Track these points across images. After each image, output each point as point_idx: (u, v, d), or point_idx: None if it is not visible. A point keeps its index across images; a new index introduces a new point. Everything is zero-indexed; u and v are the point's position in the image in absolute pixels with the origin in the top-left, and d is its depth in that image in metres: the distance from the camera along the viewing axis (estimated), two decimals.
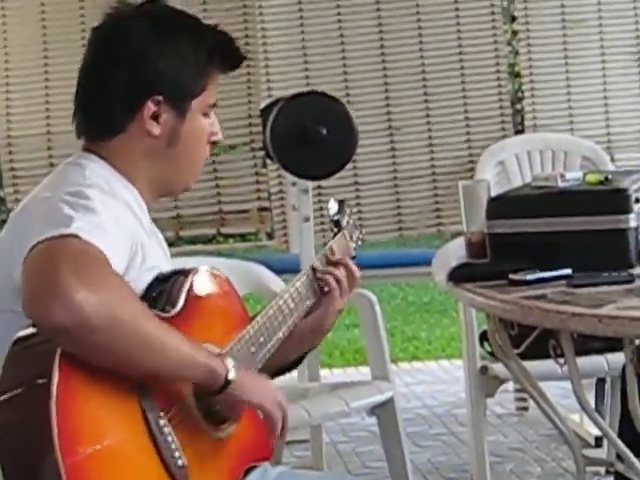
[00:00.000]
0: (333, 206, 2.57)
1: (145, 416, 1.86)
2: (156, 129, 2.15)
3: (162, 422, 1.89)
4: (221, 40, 2.24)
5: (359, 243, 2.63)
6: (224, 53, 2.24)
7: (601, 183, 3.04)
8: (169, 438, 1.89)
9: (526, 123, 5.25)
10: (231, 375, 1.93)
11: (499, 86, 5.15)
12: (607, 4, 5.16)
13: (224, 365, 1.93)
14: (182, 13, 2.26)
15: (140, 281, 1.98)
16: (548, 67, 5.20)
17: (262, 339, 2.14)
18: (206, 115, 2.23)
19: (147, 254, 2.07)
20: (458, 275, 2.93)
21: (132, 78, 2.13)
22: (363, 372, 3.88)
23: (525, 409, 5.16)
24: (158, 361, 1.86)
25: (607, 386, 4.14)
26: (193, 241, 5.65)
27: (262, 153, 4.66)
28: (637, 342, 2.63)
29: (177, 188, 2.29)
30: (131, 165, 2.17)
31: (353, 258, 2.51)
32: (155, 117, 2.14)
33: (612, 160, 4.99)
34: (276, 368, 2.32)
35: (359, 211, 4.82)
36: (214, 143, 2.28)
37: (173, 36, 2.18)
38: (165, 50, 2.16)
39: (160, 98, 2.13)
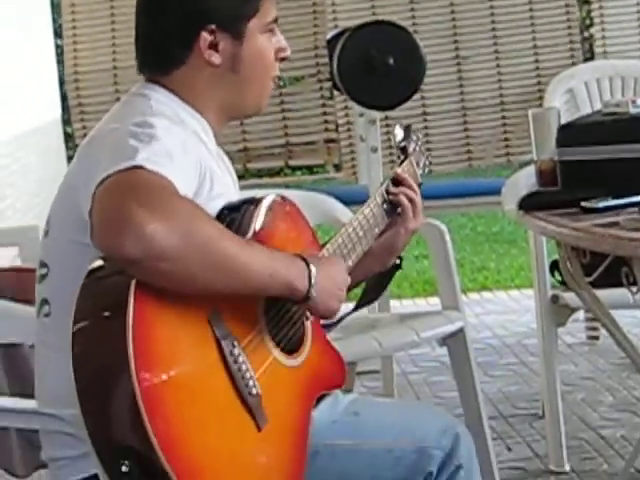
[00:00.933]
0: (399, 132, 2.55)
1: (219, 344, 1.87)
2: (216, 58, 2.15)
3: (236, 351, 1.90)
4: None
5: (426, 170, 2.62)
6: None
7: None
8: (243, 367, 1.90)
9: (596, 50, 5.19)
10: (312, 292, 1.95)
11: (567, 13, 5.09)
12: None
13: (309, 276, 1.95)
14: None
15: (208, 207, 1.96)
16: None
17: None
18: (270, 32, 2.21)
19: (215, 180, 2.08)
20: (528, 204, 2.93)
21: (182, 12, 2.14)
22: (432, 303, 3.90)
23: (596, 338, 5.15)
24: (237, 280, 1.87)
25: None
26: (260, 174, 5.67)
27: (329, 84, 4.67)
28: None
29: (249, 110, 2.30)
30: (197, 95, 2.18)
31: (420, 185, 2.50)
32: (213, 46, 2.14)
33: None
34: (349, 289, 2.32)
35: (427, 141, 4.79)
36: (282, 59, 2.25)
37: None
38: None
39: (213, 27, 2.13)
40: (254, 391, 1.90)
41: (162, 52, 2.18)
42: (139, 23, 2.22)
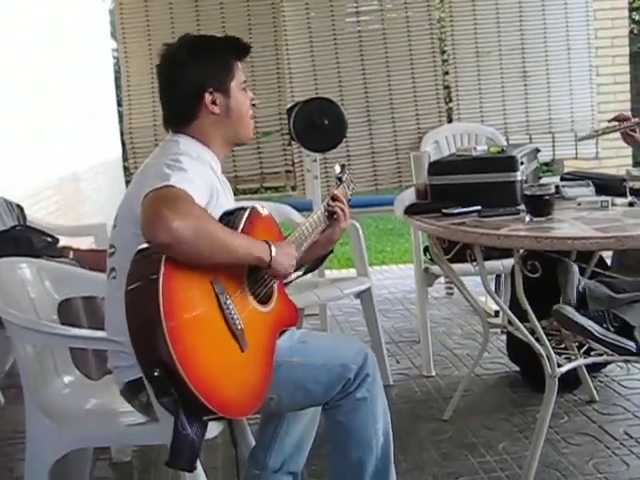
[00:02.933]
0: (337, 168, 2.58)
1: (217, 297, 1.89)
2: (216, 109, 2.18)
3: (228, 301, 1.91)
4: (232, 41, 2.26)
5: (353, 192, 2.64)
6: (237, 48, 2.25)
7: (499, 152, 3.04)
8: (232, 311, 1.91)
9: (453, 116, 5.20)
10: (272, 263, 2.00)
11: (437, 94, 5.11)
12: (505, 40, 5.15)
13: (270, 253, 1.99)
14: (199, 36, 2.27)
15: (215, 212, 2.00)
16: (467, 83, 5.16)
17: None
18: (244, 90, 2.24)
19: (220, 196, 2.10)
20: (410, 210, 2.93)
21: (189, 85, 2.16)
22: (351, 272, 3.93)
23: (451, 294, 5.18)
24: (229, 255, 1.90)
25: (502, 279, 4.16)
26: (245, 192, 5.64)
27: (288, 137, 4.65)
28: (521, 252, 2.64)
29: (243, 138, 2.29)
30: (207, 136, 2.19)
31: (349, 200, 2.53)
32: (213, 102, 2.17)
33: (507, 140, 4.97)
34: (301, 265, 2.32)
35: (352, 173, 4.78)
36: (254, 105, 2.28)
37: (202, 51, 2.20)
38: (201, 62, 2.17)
39: (211, 89, 2.16)
40: (239, 326, 1.92)
41: (181, 113, 2.19)
42: (161, 97, 2.22)
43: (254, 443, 2.49)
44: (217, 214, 2.02)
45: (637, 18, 11.34)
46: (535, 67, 5.23)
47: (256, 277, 2.05)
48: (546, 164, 6.01)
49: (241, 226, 2.02)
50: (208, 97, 2.16)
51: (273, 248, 2.00)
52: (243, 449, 2.48)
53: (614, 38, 5.65)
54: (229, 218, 2.03)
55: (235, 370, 1.92)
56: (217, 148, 2.22)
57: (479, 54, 5.19)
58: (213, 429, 2.09)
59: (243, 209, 2.08)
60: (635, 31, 11.07)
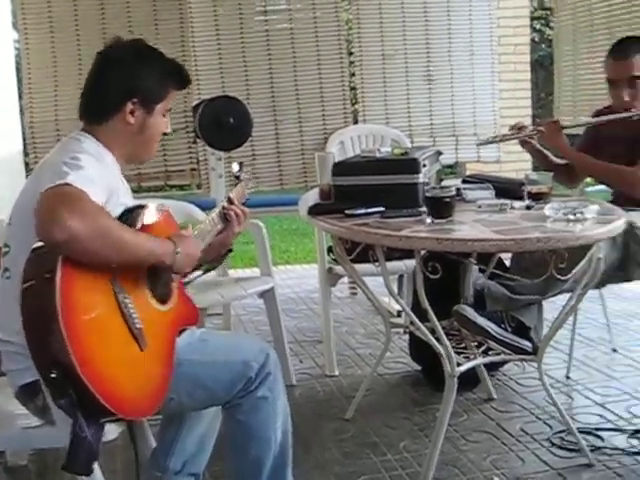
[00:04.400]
0: (235, 166, 2.57)
1: (116, 296, 1.86)
2: (132, 120, 2.15)
3: (127, 300, 1.89)
4: (179, 69, 2.25)
5: (252, 190, 2.63)
6: (180, 77, 2.24)
7: (402, 154, 3.07)
8: (131, 310, 1.89)
9: (359, 118, 5.25)
10: (175, 264, 1.98)
11: (343, 95, 5.15)
12: (410, 44, 5.22)
13: (174, 252, 1.97)
14: (154, 48, 2.25)
15: (115, 211, 1.96)
16: (373, 85, 5.22)
17: None
18: (164, 116, 2.22)
19: (120, 195, 2.07)
20: (314, 211, 2.94)
21: (119, 87, 2.13)
22: (255, 271, 3.92)
23: (355, 294, 5.22)
24: (128, 255, 1.86)
25: (405, 279, 4.21)
26: (149, 189, 5.56)
27: (193, 134, 4.61)
28: (423, 253, 2.68)
29: (142, 159, 2.28)
30: (112, 141, 2.16)
31: (246, 201, 2.52)
32: (132, 112, 2.14)
33: (412, 142, 5.04)
34: (199, 264, 2.30)
35: (255, 171, 4.78)
36: (165, 134, 2.26)
37: (148, 63, 2.18)
38: (142, 71, 2.15)
39: (135, 100, 2.14)
40: (138, 325, 1.89)
41: (99, 109, 2.16)
42: (89, 84, 2.19)
43: (155, 445, 2.46)
44: (117, 211, 1.99)
45: (538, 27, 11.66)
46: (440, 71, 5.33)
47: (156, 276, 2.02)
48: (450, 166, 6.12)
49: (139, 223, 1.99)
50: (130, 106, 2.14)
51: (179, 248, 1.98)
52: (144, 451, 2.44)
53: (516, 46, 5.82)
54: (128, 216, 2.00)
55: (134, 369, 1.89)
56: (117, 157, 2.19)
57: (385, 57, 5.25)
58: (113, 431, 2.06)
59: (142, 207, 2.05)
60: (536, 39, 11.39)
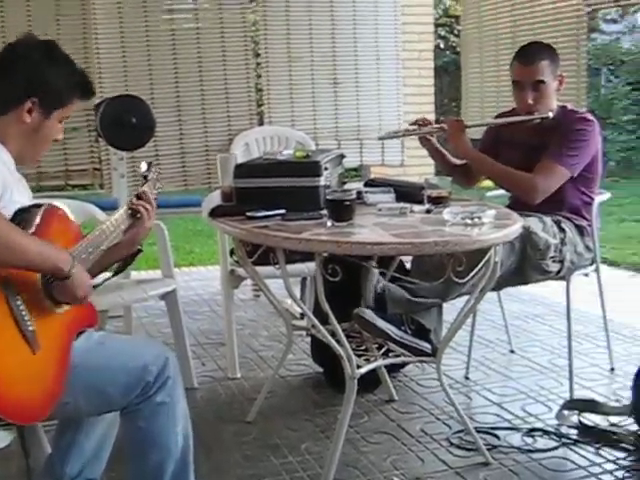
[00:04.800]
0: (143, 166, 2.52)
1: (7, 299, 1.82)
2: (27, 119, 2.10)
3: (19, 303, 1.84)
4: (86, 80, 2.21)
5: (159, 190, 2.59)
6: (85, 88, 2.21)
7: (304, 157, 3.08)
8: (23, 313, 1.84)
9: (265, 119, 5.24)
10: (72, 271, 1.92)
11: (249, 97, 5.13)
12: (317, 47, 5.25)
13: (69, 263, 1.91)
14: (66, 54, 2.20)
15: (8, 209, 1.92)
16: (279, 87, 5.22)
17: (91, 249, 2.09)
18: (60, 122, 2.18)
19: (14, 193, 2.02)
20: (215, 213, 2.92)
21: (22, 83, 2.09)
22: (157, 273, 3.88)
23: (259, 296, 5.20)
24: (22, 259, 1.81)
25: (307, 282, 4.22)
26: (52, 189, 5.43)
27: (95, 133, 4.53)
28: (323, 255, 2.69)
29: (27, 161, 2.22)
30: (6, 136, 2.10)
31: (155, 200, 2.48)
32: (29, 111, 2.10)
33: (317, 144, 5.07)
34: (106, 266, 2.28)
35: (160, 172, 4.71)
36: (56, 140, 2.21)
37: (56, 66, 2.14)
38: (49, 73, 2.11)
39: (35, 100, 2.09)
40: (30, 328, 1.86)
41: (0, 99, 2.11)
42: None
43: (50, 451, 2.40)
44: (11, 209, 1.94)
45: (443, 34, 11.87)
46: (346, 75, 5.38)
47: (50, 278, 1.98)
48: (355, 169, 6.18)
49: (34, 225, 1.94)
50: (28, 104, 2.09)
51: (75, 267, 1.93)
52: (39, 457, 2.39)
53: (421, 51, 5.90)
54: (23, 216, 1.95)
55: (26, 373, 1.85)
56: (13, 153, 2.13)
57: (291, 59, 5.26)
58: (6, 437, 2.00)
59: (37, 206, 2.00)
60: (441, 46, 11.59)
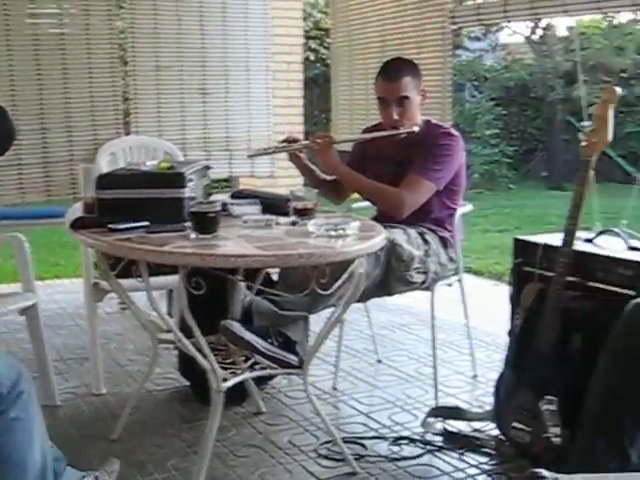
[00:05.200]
0: None
1: None
2: None
3: None
4: None
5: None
6: None
7: (169, 168, 3.02)
8: None
9: (132, 129, 5.14)
10: None
11: (115, 106, 5.02)
12: (186, 57, 5.19)
13: None
14: None
15: None
16: (147, 96, 5.13)
17: None
18: None
19: None
20: (76, 224, 2.83)
21: None
22: (18, 287, 3.72)
23: (125, 309, 5.06)
24: None
25: (174, 294, 4.14)
26: None
27: None
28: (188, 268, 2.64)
29: None
30: None
31: None
32: None
33: (185, 155, 4.99)
34: None
35: (21, 183, 4.58)
36: None
37: None
38: None
39: None
40: None
41: None
42: None
43: None
44: None
45: (314, 46, 11.97)
46: (215, 85, 5.34)
47: None
48: (226, 180, 6.14)
49: None
50: None
51: None
52: None
53: (290, 63, 5.92)
54: None
55: None
56: None
57: (160, 68, 5.19)
58: None
59: None
60: (312, 58, 11.69)
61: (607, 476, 1.56)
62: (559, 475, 1.56)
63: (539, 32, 13.84)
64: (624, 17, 14.26)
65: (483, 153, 12.60)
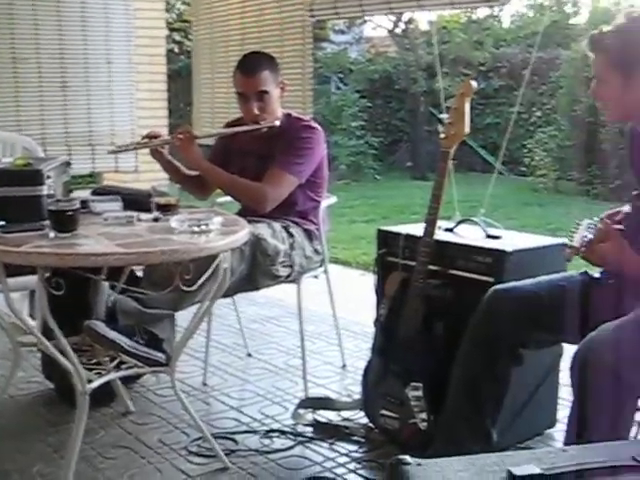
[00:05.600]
0: None
1: None
2: None
3: None
4: None
5: None
6: None
7: (25, 165, 2.91)
8: None
9: None
10: None
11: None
12: (44, 49, 5.02)
13: None
14: None
15: None
16: (4, 89, 4.96)
17: None
18: None
19: None
20: None
21: None
22: None
23: None
24: None
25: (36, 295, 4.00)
26: None
27: None
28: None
29: None
30: None
31: None
32: None
33: (45, 151, 4.83)
34: None
35: None
36: None
37: None
38: None
39: None
40: None
41: None
42: None
43: None
44: None
45: (178, 39, 11.83)
46: (75, 79, 5.21)
47: None
48: (90, 176, 5.99)
49: None
50: None
51: None
52: None
53: (153, 56, 5.83)
54: None
55: None
56: None
57: (16, 60, 5.00)
58: None
59: None
60: (176, 50, 11.55)
61: (468, 457, 1.60)
62: (422, 460, 1.59)
63: (402, 26, 14.12)
64: (482, 13, 14.77)
65: (349, 145, 12.78)
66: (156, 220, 2.80)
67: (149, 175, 5.28)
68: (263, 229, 3.23)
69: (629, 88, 2.32)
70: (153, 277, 2.90)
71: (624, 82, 2.32)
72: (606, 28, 2.35)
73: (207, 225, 2.59)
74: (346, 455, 2.99)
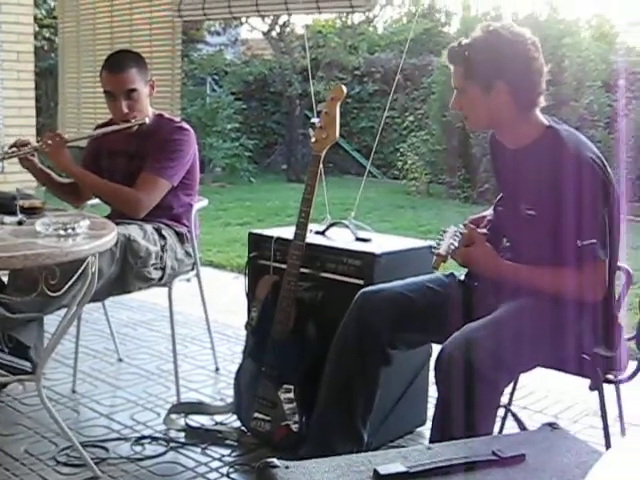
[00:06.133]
0: None
1: None
2: None
3: None
4: None
5: None
6: None
7: None
8: None
9: None
10: None
11: None
12: None
13: None
14: None
15: None
16: None
17: None
18: None
19: None
20: None
21: None
22: None
23: None
24: None
25: None
26: None
27: None
28: None
29: None
30: None
31: None
32: None
33: None
34: None
35: None
36: None
37: None
38: None
39: None
40: None
41: None
42: None
43: None
44: None
45: (48, 35, 11.49)
46: None
47: None
48: None
49: None
50: None
51: None
52: None
53: (20, 53, 5.62)
54: None
55: None
56: None
57: None
58: None
59: None
60: (46, 48, 11.22)
61: (336, 458, 1.63)
62: (290, 463, 1.60)
63: (278, 29, 14.16)
64: (357, 18, 14.98)
65: (224, 147, 12.72)
66: (20, 223, 2.71)
67: (17, 177, 5.10)
68: (134, 231, 3.17)
69: (486, 98, 2.40)
70: (18, 282, 2.81)
71: (482, 92, 2.40)
72: (464, 41, 2.43)
73: (73, 229, 2.53)
74: (219, 460, 2.98)
